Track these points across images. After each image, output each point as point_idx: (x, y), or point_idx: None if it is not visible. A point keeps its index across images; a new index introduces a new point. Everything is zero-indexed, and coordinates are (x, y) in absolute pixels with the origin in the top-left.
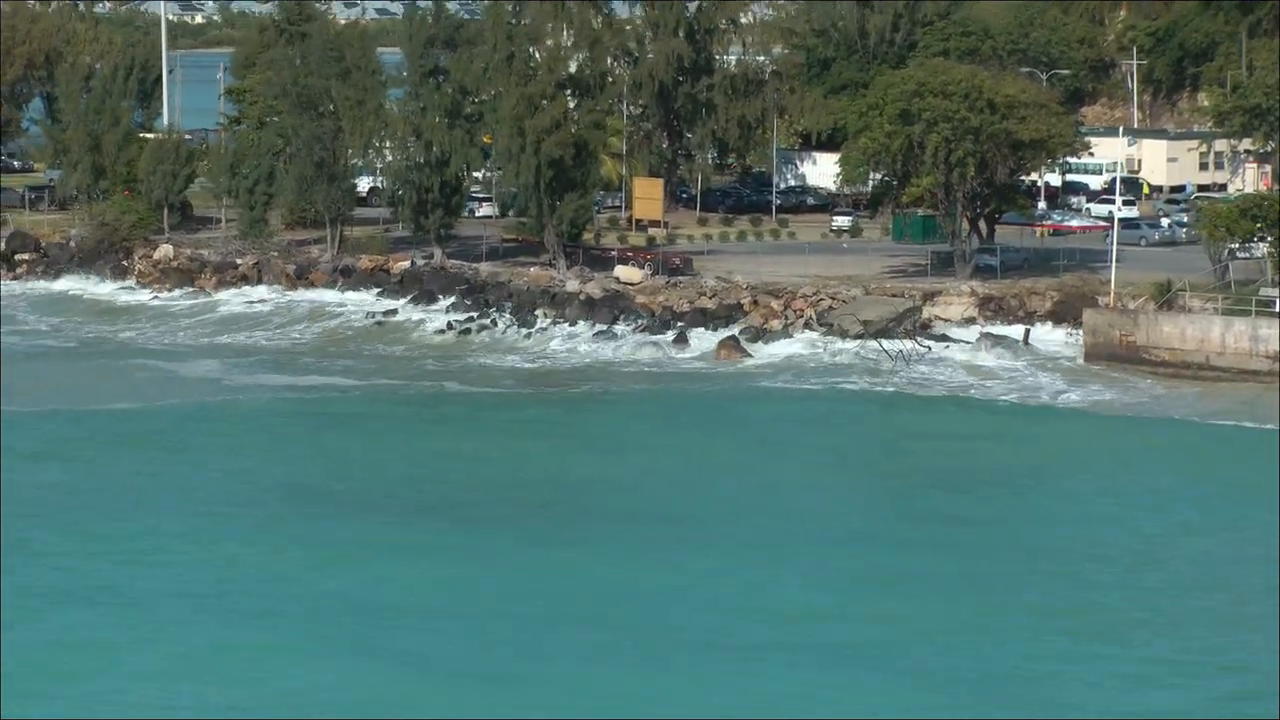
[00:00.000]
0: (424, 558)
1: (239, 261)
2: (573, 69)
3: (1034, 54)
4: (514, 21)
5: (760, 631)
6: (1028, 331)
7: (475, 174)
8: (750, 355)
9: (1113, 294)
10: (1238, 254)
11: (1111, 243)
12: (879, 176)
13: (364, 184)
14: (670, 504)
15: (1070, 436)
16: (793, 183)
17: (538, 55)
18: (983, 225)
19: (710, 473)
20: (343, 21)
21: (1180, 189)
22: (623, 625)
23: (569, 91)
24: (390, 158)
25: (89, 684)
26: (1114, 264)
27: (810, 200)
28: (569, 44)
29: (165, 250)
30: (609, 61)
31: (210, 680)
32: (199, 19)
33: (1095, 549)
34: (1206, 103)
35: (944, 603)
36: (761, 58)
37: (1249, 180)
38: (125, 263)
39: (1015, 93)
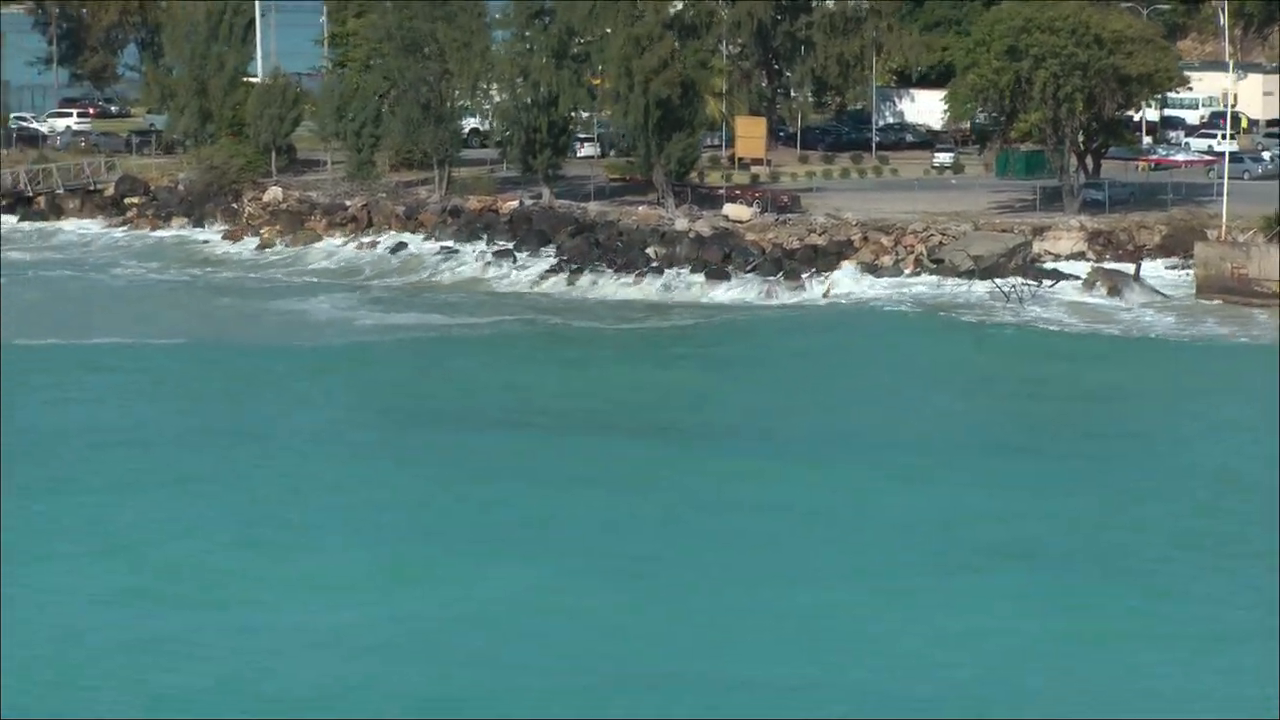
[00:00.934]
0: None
1: (348, 203)
2: (675, 9)
3: None
4: None
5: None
6: (1139, 266)
7: (582, 114)
8: (856, 290)
9: (1224, 226)
10: None
11: (1223, 176)
12: (986, 113)
13: (465, 125)
14: (809, 424)
15: (1193, 366)
16: (890, 120)
17: None
18: (1089, 160)
19: (841, 396)
20: None
21: (1278, 123)
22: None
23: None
24: (497, 99)
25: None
26: (1225, 197)
27: (909, 137)
28: None
29: (274, 193)
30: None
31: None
32: None
33: (1227, 473)
34: None
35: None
36: None
37: None
38: (234, 205)
39: (1122, 28)
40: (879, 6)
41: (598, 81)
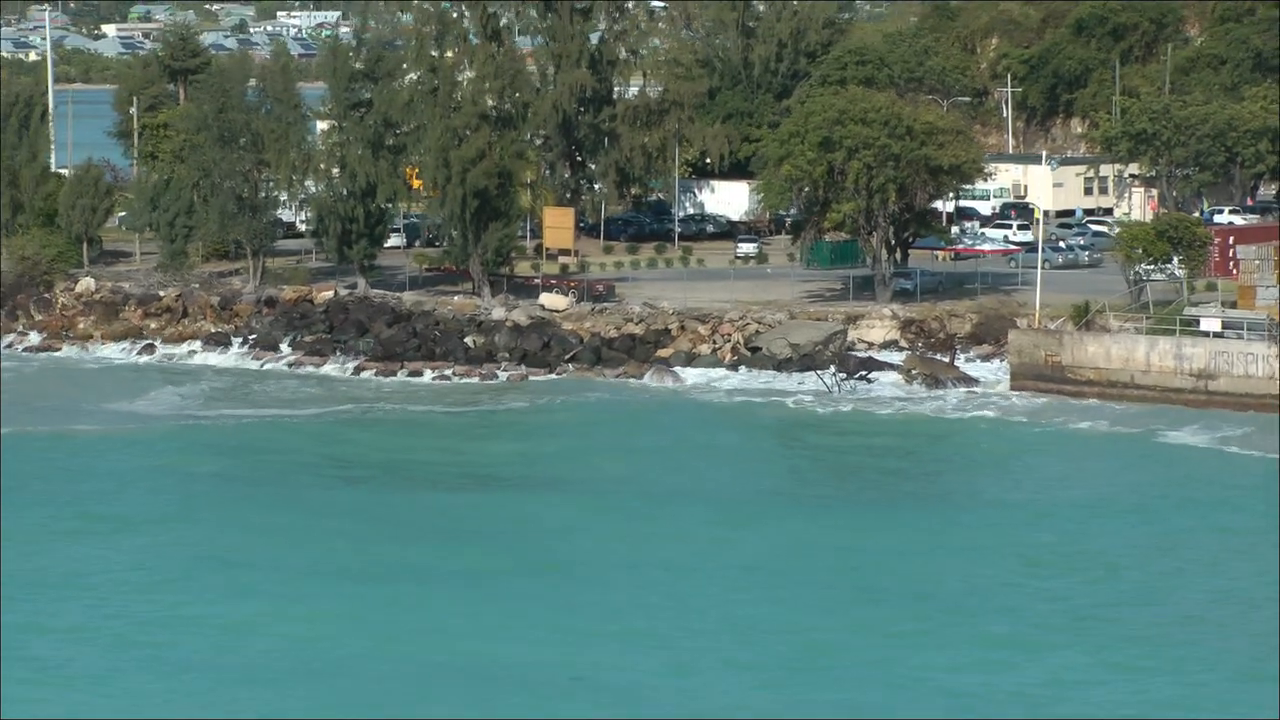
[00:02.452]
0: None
1: (161, 294)
2: (490, 101)
3: (929, 81)
4: (436, 54)
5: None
6: (954, 354)
7: (401, 205)
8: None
9: (1037, 314)
10: (1151, 275)
11: (1027, 265)
12: (799, 203)
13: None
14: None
15: (1012, 441)
16: (690, 211)
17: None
18: (898, 250)
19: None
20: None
21: (1069, 213)
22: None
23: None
24: (314, 189)
25: None
26: (1039, 285)
27: (710, 228)
28: (489, 76)
29: (87, 284)
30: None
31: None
32: (33, 56)
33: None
34: (1085, 129)
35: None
36: (661, 87)
37: (1135, 204)
38: (47, 296)
39: (933, 119)
40: (680, 99)
41: (412, 171)
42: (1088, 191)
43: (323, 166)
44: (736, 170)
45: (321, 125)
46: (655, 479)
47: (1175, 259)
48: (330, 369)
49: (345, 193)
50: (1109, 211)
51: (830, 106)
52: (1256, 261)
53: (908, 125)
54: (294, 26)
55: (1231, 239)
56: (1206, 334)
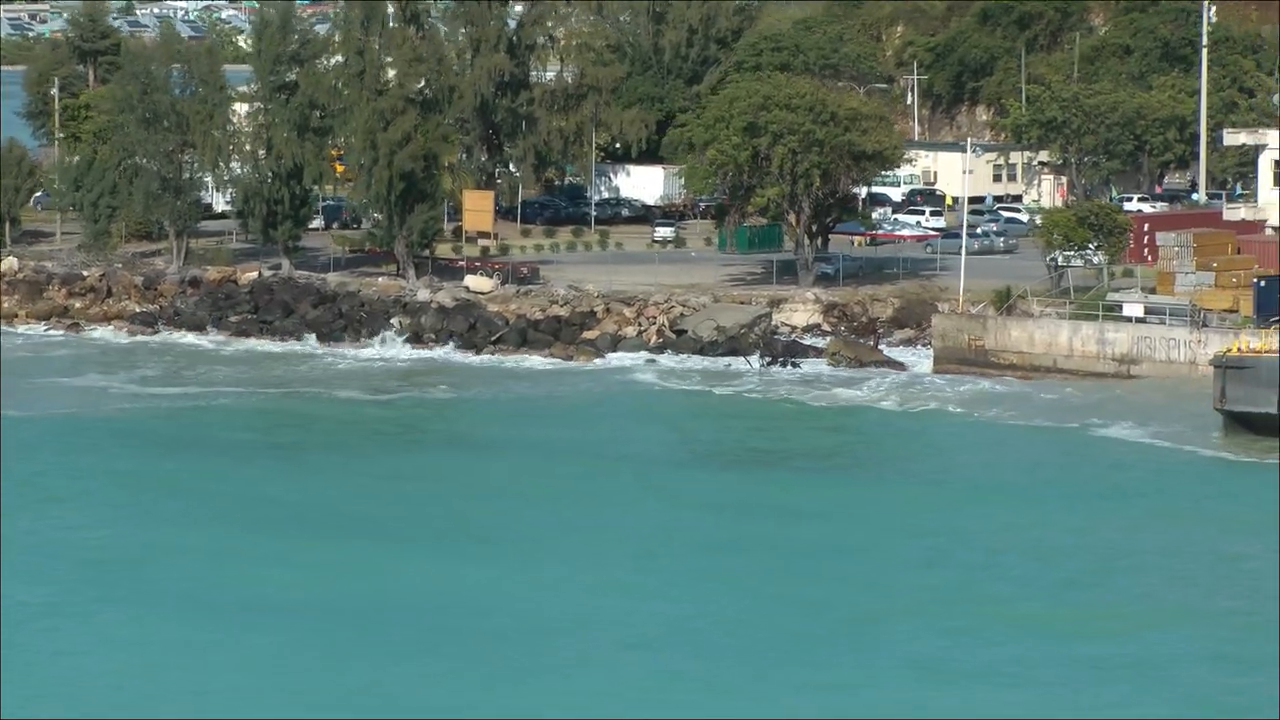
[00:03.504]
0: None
1: (85, 274)
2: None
3: (845, 69)
4: (363, 37)
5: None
6: (877, 338)
7: (327, 186)
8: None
9: (961, 299)
10: (1071, 261)
11: (957, 250)
12: (722, 188)
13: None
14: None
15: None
16: (606, 195)
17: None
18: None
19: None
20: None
21: (980, 200)
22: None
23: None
24: (239, 170)
25: None
26: (963, 270)
27: (626, 212)
28: (411, 59)
29: (10, 263)
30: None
31: None
32: None
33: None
34: (991, 116)
35: None
36: (579, 70)
37: (1045, 191)
38: None
39: (856, 106)
40: (597, 83)
41: (336, 153)
42: (997, 178)
43: (248, 148)
44: (651, 155)
45: (239, 108)
46: (586, 461)
47: (1093, 245)
48: (255, 347)
49: (270, 174)
50: (1018, 198)
51: (755, 92)
52: (1176, 248)
53: (832, 111)
54: (181, 9)
55: (1147, 225)
56: (1129, 319)
